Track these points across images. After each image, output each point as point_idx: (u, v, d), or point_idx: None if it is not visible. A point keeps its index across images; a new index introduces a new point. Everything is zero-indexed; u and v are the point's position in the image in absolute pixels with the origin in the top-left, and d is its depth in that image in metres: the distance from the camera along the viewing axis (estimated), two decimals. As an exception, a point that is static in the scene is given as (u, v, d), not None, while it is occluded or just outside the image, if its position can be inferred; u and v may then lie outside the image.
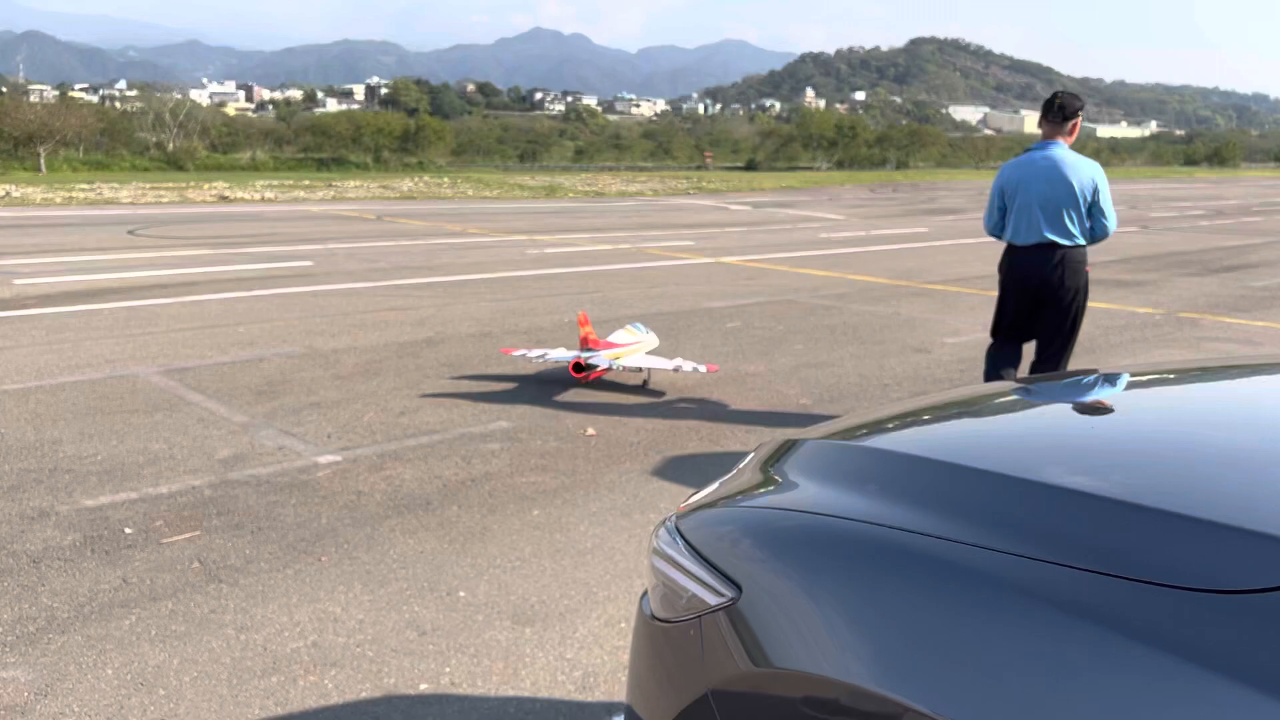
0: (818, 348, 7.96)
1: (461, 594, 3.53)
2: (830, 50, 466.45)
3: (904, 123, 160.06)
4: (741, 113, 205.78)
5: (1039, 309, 5.34)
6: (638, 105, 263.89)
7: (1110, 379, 2.14)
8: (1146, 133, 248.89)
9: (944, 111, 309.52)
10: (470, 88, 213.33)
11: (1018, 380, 2.10)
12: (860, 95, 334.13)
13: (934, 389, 6.60)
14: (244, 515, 4.21)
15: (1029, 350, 5.61)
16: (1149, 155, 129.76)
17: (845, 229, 20.10)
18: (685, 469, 4.91)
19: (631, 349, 6.74)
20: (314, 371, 6.83)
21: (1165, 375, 2.20)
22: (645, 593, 1.70)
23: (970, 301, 10.37)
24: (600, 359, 6.42)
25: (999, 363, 5.53)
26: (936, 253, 15.69)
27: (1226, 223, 23.46)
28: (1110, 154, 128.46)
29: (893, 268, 13.41)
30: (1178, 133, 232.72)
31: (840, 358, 7.58)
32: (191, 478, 4.65)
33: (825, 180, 48.81)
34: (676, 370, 6.45)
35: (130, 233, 16.90)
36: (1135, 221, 22.60)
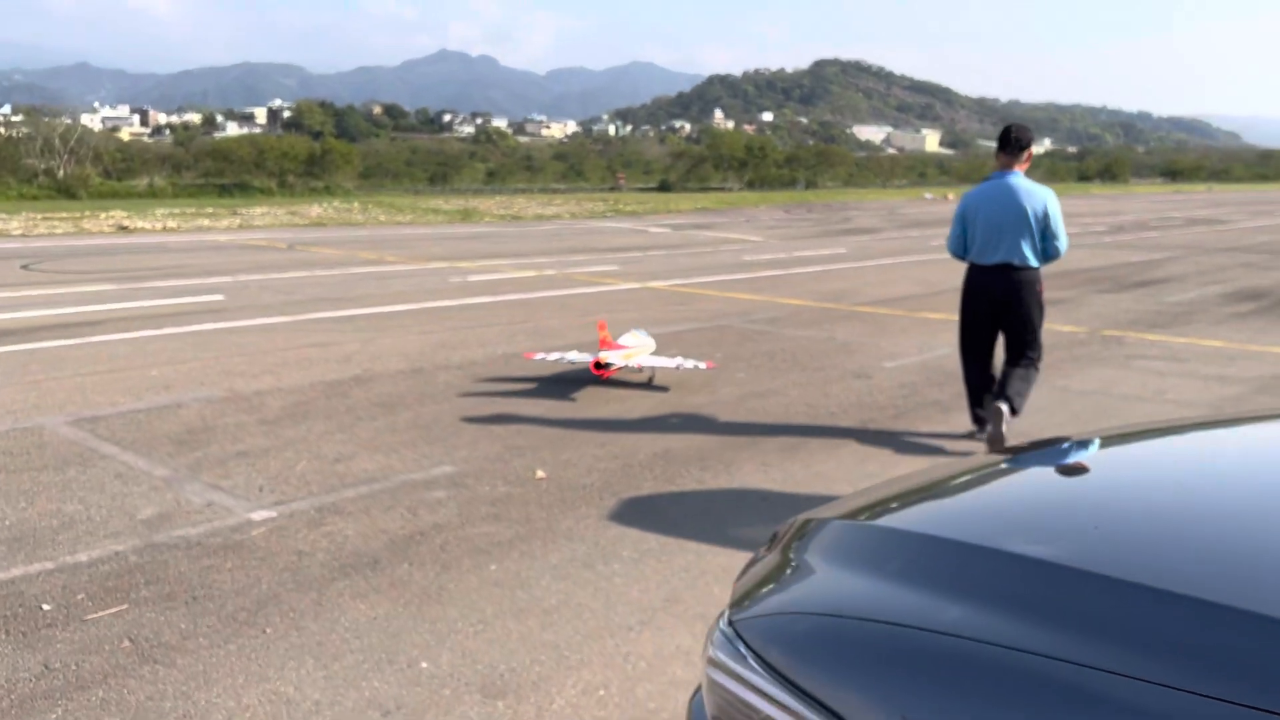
0: (760, 376, 7.85)
1: (424, 665, 3.27)
2: (737, 72, 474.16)
3: (811, 143, 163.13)
4: (652, 134, 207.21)
5: (997, 321, 5.88)
6: (548, 127, 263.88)
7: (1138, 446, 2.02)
8: (1041, 150, 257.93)
9: (849, 131, 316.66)
10: (376, 110, 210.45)
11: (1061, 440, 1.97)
12: (768, 116, 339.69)
13: (880, 417, 6.54)
14: (176, 584, 3.88)
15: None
16: (1045, 172, 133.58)
17: (766, 250, 20.19)
18: (644, 512, 4.72)
19: (638, 351, 7.65)
20: (237, 417, 6.45)
21: (1164, 435, 2.10)
22: (697, 697, 1.51)
23: (901, 324, 10.42)
24: (615, 358, 7.34)
25: (974, 380, 6.04)
26: (859, 274, 15.83)
27: (1128, 238, 24.27)
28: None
29: (819, 290, 13.46)
30: (1070, 150, 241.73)
31: (784, 386, 7.48)
32: (114, 542, 4.28)
33: (740, 201, 49.24)
34: (678, 368, 7.38)
35: (24, 268, 16.04)
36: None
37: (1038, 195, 5.62)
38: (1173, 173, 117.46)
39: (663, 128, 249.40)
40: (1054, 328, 10.14)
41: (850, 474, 5.29)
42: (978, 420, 6.01)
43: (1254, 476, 1.66)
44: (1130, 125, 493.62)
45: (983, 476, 1.90)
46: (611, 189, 73.52)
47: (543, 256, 18.51)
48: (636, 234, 25.77)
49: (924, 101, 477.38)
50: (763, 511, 4.73)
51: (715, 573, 3.99)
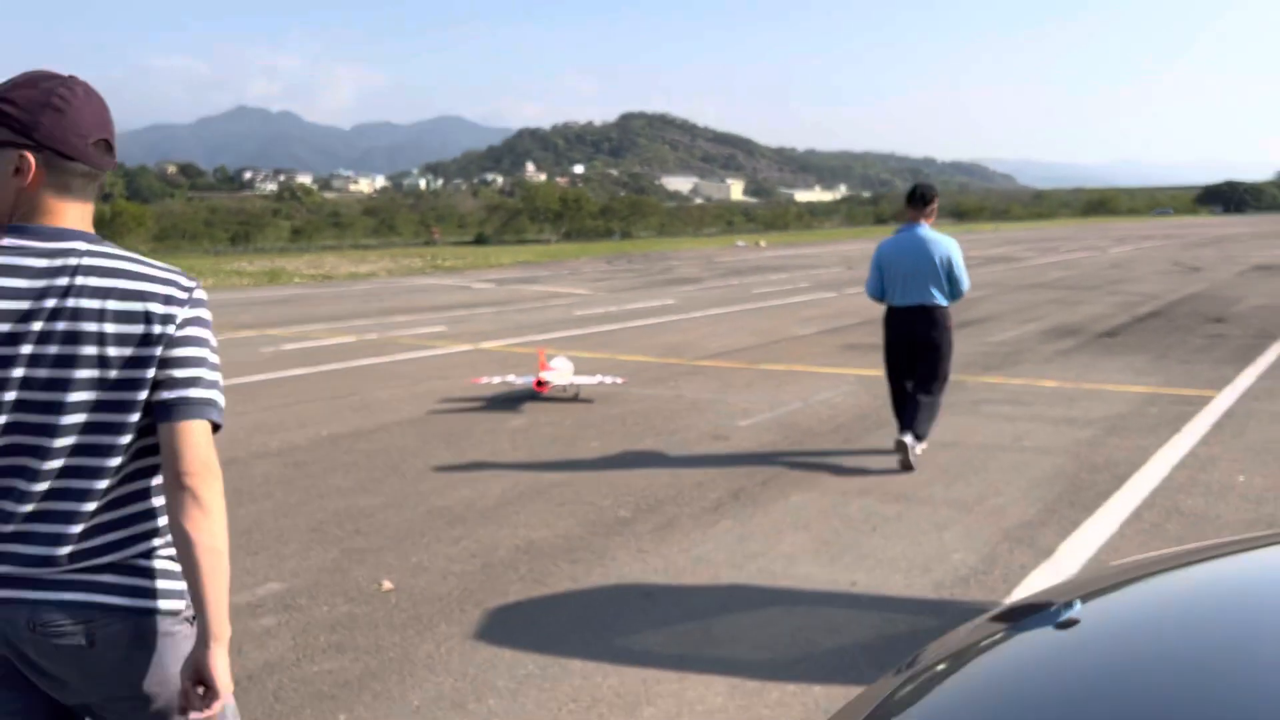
0: (613, 443, 7.35)
1: None
2: (547, 125, 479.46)
3: (624, 194, 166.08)
4: (465, 187, 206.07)
5: (914, 354, 6.65)
6: (355, 182, 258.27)
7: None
8: (839, 196, 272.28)
9: (658, 182, 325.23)
10: (171, 169, 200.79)
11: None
12: (579, 168, 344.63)
13: (749, 484, 6.14)
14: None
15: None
16: (843, 217, 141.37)
17: (596, 304, 19.84)
18: (516, 625, 4.09)
19: (566, 371, 9.31)
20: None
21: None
22: None
23: (745, 378, 10.17)
24: (553, 376, 9.05)
25: (899, 397, 6.78)
26: (693, 325, 15.66)
27: (937, 279, 25.31)
28: (810, 217, 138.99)
29: (657, 344, 13.14)
30: (865, 195, 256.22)
31: (641, 454, 7.00)
32: None
33: (559, 253, 49.07)
34: (599, 384, 9.22)
35: None
36: (857, 283, 23.88)
37: (943, 244, 6.51)
38: (960, 213, 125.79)
39: (475, 181, 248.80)
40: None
41: (733, 556, 4.83)
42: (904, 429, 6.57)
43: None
44: (917, 170, 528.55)
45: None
46: (426, 243, 72.19)
47: (362, 319, 17.51)
48: (460, 290, 24.99)
49: (727, 152, 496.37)
50: (650, 614, 4.18)
51: (609, 700, 3.42)
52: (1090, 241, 48.58)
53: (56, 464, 1.65)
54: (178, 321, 1.71)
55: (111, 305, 1.66)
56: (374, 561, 4.89)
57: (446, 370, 11.15)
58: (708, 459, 6.83)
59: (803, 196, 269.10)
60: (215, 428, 1.75)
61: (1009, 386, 9.43)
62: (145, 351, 1.67)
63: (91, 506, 1.67)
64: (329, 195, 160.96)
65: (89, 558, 1.68)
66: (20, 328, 1.63)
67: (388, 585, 4.55)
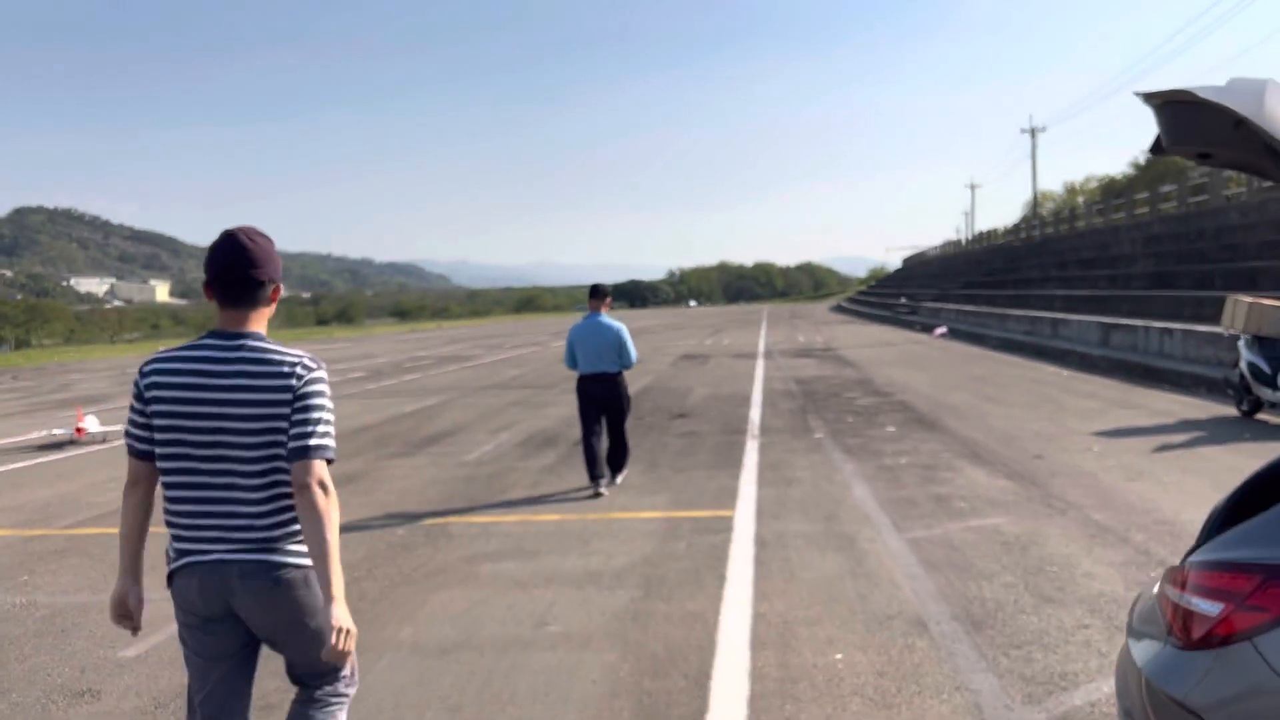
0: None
1: None
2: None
3: (20, 297, 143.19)
4: None
5: (601, 410, 8.72)
6: None
7: None
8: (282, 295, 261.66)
9: (65, 284, 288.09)
10: None
11: None
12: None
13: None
14: None
15: None
16: (284, 318, 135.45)
17: (-59, 444, 14.72)
18: None
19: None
20: None
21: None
22: None
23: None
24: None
25: (590, 451, 8.63)
26: (87, 465, 11.81)
27: (392, 383, 23.34)
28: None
29: (18, 504, 9.32)
30: (305, 295, 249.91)
31: None
32: None
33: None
34: None
35: None
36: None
37: (615, 328, 8.62)
38: (402, 312, 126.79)
39: None
40: (358, 521, 7.71)
41: None
42: (594, 479, 8.58)
43: None
44: (356, 270, 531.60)
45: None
46: None
47: None
48: None
49: (149, 251, 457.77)
50: None
51: None
52: (530, 337, 50.35)
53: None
54: None
55: None
56: None
57: None
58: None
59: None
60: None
61: (505, 528, 7.49)
62: None
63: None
64: None
65: (276, 533, 2.65)
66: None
67: None
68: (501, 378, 23.12)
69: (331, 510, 2.57)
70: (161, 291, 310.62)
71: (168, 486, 2.66)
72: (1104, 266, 32.09)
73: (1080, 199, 68.78)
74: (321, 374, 2.67)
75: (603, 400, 8.67)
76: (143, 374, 2.66)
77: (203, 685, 2.71)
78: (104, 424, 14.66)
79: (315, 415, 2.60)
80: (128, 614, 2.76)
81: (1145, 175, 66.14)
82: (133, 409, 2.70)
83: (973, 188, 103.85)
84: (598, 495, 8.41)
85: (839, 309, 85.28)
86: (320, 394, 2.64)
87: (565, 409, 15.57)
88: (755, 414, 13.89)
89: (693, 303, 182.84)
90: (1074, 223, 44.95)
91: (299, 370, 2.62)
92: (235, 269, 2.64)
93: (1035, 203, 73.10)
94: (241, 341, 2.65)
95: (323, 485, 2.56)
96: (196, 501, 2.62)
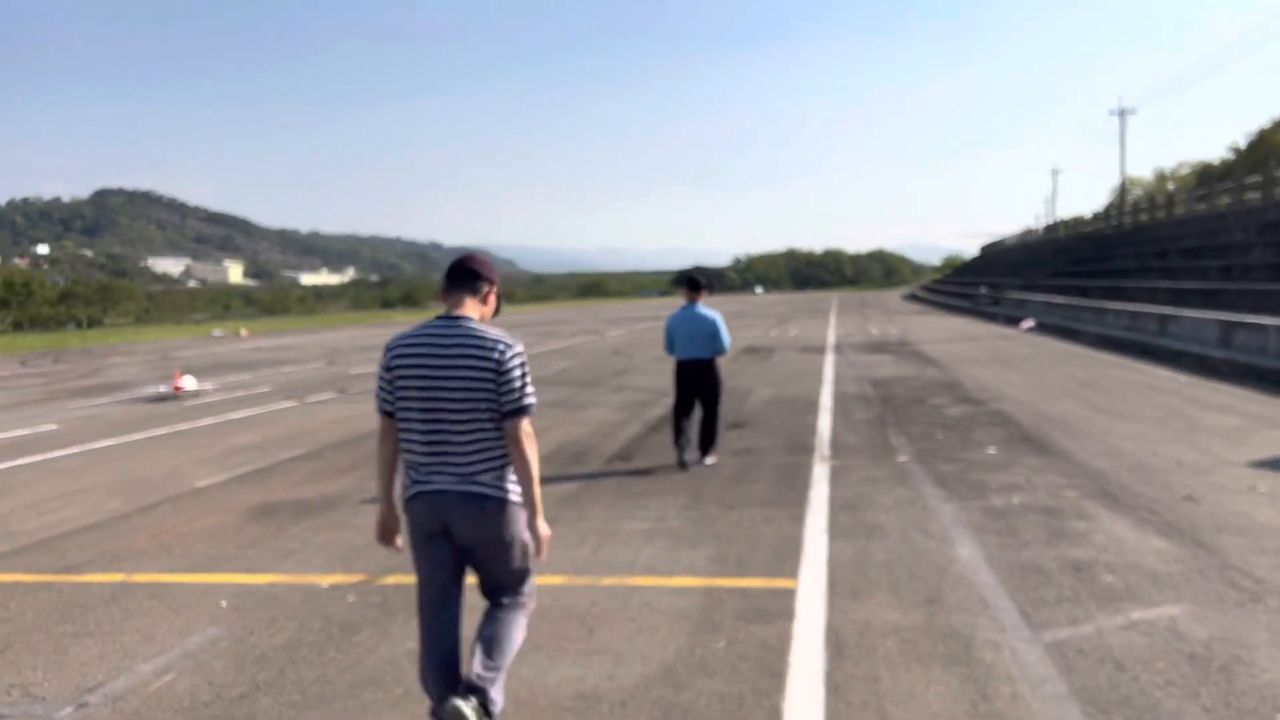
0: None
1: None
2: (1, 201, 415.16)
3: (96, 277, 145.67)
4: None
5: (695, 392, 9.41)
6: None
7: None
8: (346, 279, 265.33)
9: (143, 265, 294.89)
10: None
11: None
12: (44, 249, 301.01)
13: None
14: None
15: None
16: (350, 301, 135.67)
17: (-82, 439, 13.35)
18: None
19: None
20: None
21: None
22: None
23: (34, 611, 5.33)
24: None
25: (681, 425, 9.33)
26: (37, 475, 10.23)
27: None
28: (315, 301, 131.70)
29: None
30: (373, 278, 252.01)
31: None
32: None
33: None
34: None
35: None
36: (332, 385, 19.45)
37: (710, 317, 9.24)
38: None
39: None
40: (318, 581, 5.86)
41: None
42: (681, 453, 9.24)
43: None
44: (425, 254, 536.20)
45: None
46: None
47: None
48: None
49: (223, 233, 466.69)
50: None
51: None
52: (587, 324, 48.62)
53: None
54: None
55: None
56: None
57: None
58: None
59: (309, 279, 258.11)
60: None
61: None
62: None
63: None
64: None
65: (479, 470, 3.47)
66: None
67: None
68: (547, 371, 21.26)
69: (534, 453, 3.50)
70: (235, 272, 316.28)
71: (402, 435, 3.53)
72: (1212, 256, 29.19)
73: (1170, 185, 65.03)
74: (519, 349, 3.52)
75: (697, 383, 9.37)
76: (388, 350, 3.54)
77: (429, 584, 3.57)
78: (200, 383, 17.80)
79: (520, 383, 3.47)
80: (391, 531, 3.68)
81: (1247, 159, 62.03)
82: (380, 378, 3.58)
83: (1055, 173, 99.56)
84: (684, 466, 9.14)
85: (912, 298, 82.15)
86: (521, 365, 3.49)
87: (605, 411, 13.66)
88: (825, 424, 11.83)
89: (759, 289, 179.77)
90: (1171, 209, 41.74)
91: (500, 347, 3.47)
92: (462, 265, 3.66)
93: (1123, 188, 69.28)
94: (458, 324, 3.53)
95: (528, 435, 3.48)
96: (423, 445, 3.46)
